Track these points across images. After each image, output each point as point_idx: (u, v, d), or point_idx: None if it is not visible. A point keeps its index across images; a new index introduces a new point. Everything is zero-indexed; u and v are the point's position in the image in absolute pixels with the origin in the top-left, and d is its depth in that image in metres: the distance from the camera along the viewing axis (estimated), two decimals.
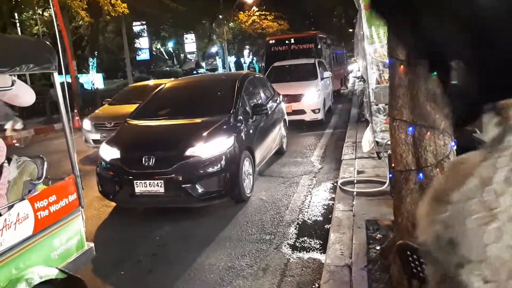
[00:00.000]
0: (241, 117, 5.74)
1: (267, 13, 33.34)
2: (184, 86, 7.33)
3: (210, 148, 4.92)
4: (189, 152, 4.85)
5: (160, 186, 4.69)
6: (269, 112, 6.87)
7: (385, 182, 4.95)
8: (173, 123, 5.67)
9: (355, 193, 4.97)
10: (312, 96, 10.67)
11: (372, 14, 5.98)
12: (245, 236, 4.36)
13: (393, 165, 2.78)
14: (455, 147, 2.66)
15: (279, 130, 7.54)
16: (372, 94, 6.17)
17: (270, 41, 17.86)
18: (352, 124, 10.17)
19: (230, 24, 32.82)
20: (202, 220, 4.87)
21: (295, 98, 10.46)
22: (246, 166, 5.40)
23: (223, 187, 4.91)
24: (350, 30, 30.99)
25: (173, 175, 4.70)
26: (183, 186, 4.71)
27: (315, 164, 7.17)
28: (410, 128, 2.58)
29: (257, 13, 33.22)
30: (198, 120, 5.51)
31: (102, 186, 5.20)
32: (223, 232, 4.49)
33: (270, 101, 7.46)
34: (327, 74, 12.35)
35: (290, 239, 4.22)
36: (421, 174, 2.59)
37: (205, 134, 5.06)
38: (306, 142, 8.99)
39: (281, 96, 8.38)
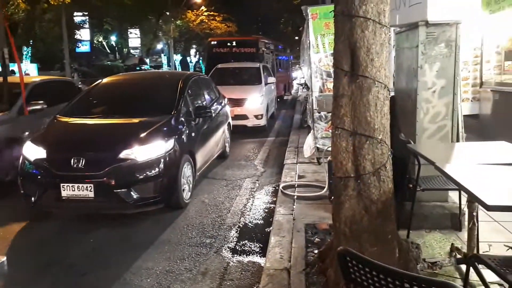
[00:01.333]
0: (183, 119, 5.47)
1: (216, 14, 33.20)
2: (123, 82, 6.86)
3: (147, 150, 4.61)
4: (123, 154, 4.51)
5: (90, 190, 4.34)
6: (213, 115, 6.69)
7: (324, 187, 5.10)
8: (108, 122, 5.28)
9: (295, 197, 5.07)
10: (255, 101, 10.41)
11: (319, 24, 6.18)
12: (185, 239, 4.28)
13: (333, 171, 2.87)
14: (391, 156, 2.80)
15: (223, 134, 7.41)
16: (315, 102, 6.36)
17: (212, 42, 17.49)
18: (294, 129, 10.42)
19: (177, 22, 32.26)
20: (140, 222, 4.72)
21: (238, 102, 10.15)
22: (186, 171, 5.19)
23: (160, 193, 4.63)
24: (296, 37, 31.75)
25: (105, 178, 4.35)
26: (115, 191, 4.38)
27: (258, 167, 7.23)
28: (351, 137, 2.68)
29: (206, 13, 32.97)
30: (136, 120, 5.18)
31: (24, 188, 4.70)
32: (162, 235, 4.38)
33: (215, 103, 7.27)
34: (271, 79, 12.21)
35: (231, 242, 4.21)
36: (359, 181, 2.70)
37: (142, 135, 4.74)
38: (250, 146, 9.05)
39: (226, 99, 8.23)
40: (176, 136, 5.07)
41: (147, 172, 4.55)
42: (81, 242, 4.26)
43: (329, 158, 4.66)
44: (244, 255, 3.92)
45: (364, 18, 2.48)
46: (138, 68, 27.67)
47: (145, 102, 5.82)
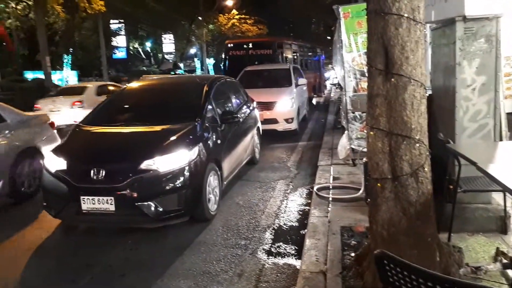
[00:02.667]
0: (208, 126, 5.19)
1: (247, 17, 33.41)
2: (147, 88, 6.62)
3: (170, 160, 4.37)
4: (145, 165, 4.29)
5: (110, 204, 4.15)
6: (241, 120, 6.43)
7: (360, 189, 5.01)
8: (130, 131, 5.08)
9: (330, 199, 5.01)
10: (286, 105, 9.95)
11: (351, 23, 6.09)
12: (220, 241, 4.32)
13: (369, 173, 2.81)
14: (429, 157, 2.71)
15: (252, 139, 7.08)
16: (349, 102, 6.26)
17: (229, 45, 17.32)
18: (328, 130, 10.29)
19: (209, 26, 32.72)
20: (177, 224, 4.80)
21: (267, 106, 9.72)
22: (212, 181, 4.93)
23: (184, 206, 4.38)
24: (328, 37, 31.42)
25: (125, 191, 4.15)
26: (136, 204, 4.16)
27: (292, 169, 7.20)
28: (387, 137, 2.62)
29: (237, 17, 33.24)
30: (158, 128, 4.94)
31: (46, 201, 4.60)
32: (198, 236, 4.44)
33: (243, 107, 7.01)
34: (302, 80, 11.74)
35: (266, 244, 4.21)
36: (396, 183, 2.63)
37: (165, 144, 4.53)
38: (281, 149, 9.02)
39: (254, 103, 7.90)
40: (201, 144, 4.78)
41: (170, 184, 4.32)
42: (118, 243, 4.37)
43: (364, 159, 4.58)
44: (279, 257, 3.91)
45: (398, 15, 2.42)
46: (172, 73, 28.20)
47: (169, 108, 5.60)
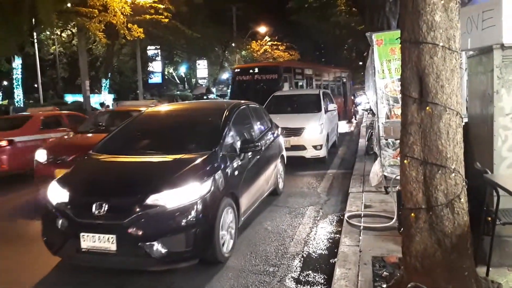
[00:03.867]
0: (225, 155, 4.75)
1: (279, 43, 33.94)
2: (163, 114, 6.20)
3: (179, 195, 3.93)
4: (151, 199, 3.86)
5: (112, 242, 3.75)
6: (263, 148, 5.99)
7: (393, 218, 4.89)
8: (140, 161, 4.71)
9: (362, 227, 4.90)
10: (314, 131, 9.56)
11: (384, 50, 6.08)
12: (248, 266, 4.28)
13: (403, 202, 2.75)
14: (466, 187, 2.63)
15: (275, 168, 6.66)
16: (381, 128, 6.19)
17: (236, 70, 17.38)
18: (360, 156, 10.15)
19: (242, 53, 33.41)
20: None
21: (295, 132, 9.41)
22: (227, 218, 4.43)
23: (192, 247, 3.89)
24: (360, 63, 31.36)
25: (128, 229, 3.73)
26: (140, 244, 3.74)
27: (322, 195, 7.11)
28: (421, 166, 2.57)
29: (269, 43, 33.82)
30: (170, 158, 4.55)
31: (45, 235, 4.19)
32: (226, 261, 4.42)
33: (266, 135, 6.58)
34: (332, 106, 11.50)
35: (294, 272, 4.14)
36: (431, 213, 2.56)
37: (173, 177, 4.10)
38: (311, 173, 8.95)
39: (279, 129, 7.55)
40: (215, 177, 4.31)
41: (178, 222, 3.86)
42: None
43: (398, 187, 4.47)
44: (308, 286, 3.84)
45: (433, 44, 2.41)
46: (205, 97, 28.80)
47: (184, 136, 5.21)
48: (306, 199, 6.84)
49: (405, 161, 2.63)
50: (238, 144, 5.19)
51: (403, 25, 2.57)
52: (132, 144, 5.32)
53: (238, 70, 17.00)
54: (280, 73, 15.24)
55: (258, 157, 5.72)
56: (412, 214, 2.64)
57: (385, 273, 3.64)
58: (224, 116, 5.37)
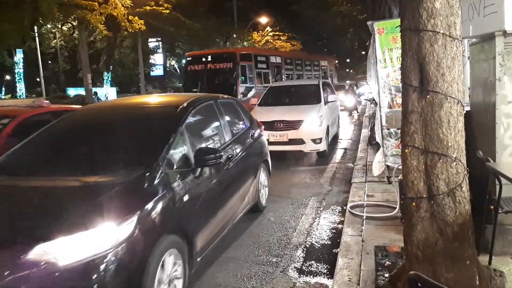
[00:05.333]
0: (169, 173, 3.30)
1: (280, 33, 33.74)
2: (92, 117, 4.56)
3: (81, 244, 2.53)
4: (37, 252, 2.46)
5: None
6: (236, 156, 4.67)
7: (395, 207, 4.88)
8: (38, 187, 3.17)
9: (364, 217, 4.90)
10: (313, 123, 8.96)
11: (386, 39, 6.03)
12: (251, 257, 4.30)
13: (404, 191, 2.74)
14: (467, 176, 2.62)
15: (255, 178, 5.30)
16: (383, 118, 6.16)
17: (188, 58, 14.88)
18: (362, 146, 10.13)
19: (244, 43, 33.23)
20: None
21: (293, 125, 8.84)
22: (168, 268, 3.05)
23: None
24: (363, 52, 31.16)
25: None
26: None
27: (324, 186, 7.11)
28: (423, 155, 2.55)
29: (271, 33, 33.63)
30: (79, 183, 3.15)
31: None
32: (228, 251, 4.44)
33: (241, 137, 5.20)
34: (332, 97, 10.84)
35: (297, 262, 4.15)
36: (432, 202, 2.55)
37: (77, 214, 2.68)
38: (313, 164, 8.95)
39: (260, 128, 6.19)
40: (146, 209, 2.92)
41: (78, 286, 2.47)
42: None
43: (400, 176, 4.46)
44: (311, 276, 3.85)
45: (433, 32, 2.39)
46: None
47: (109, 148, 3.72)
48: (308, 190, 6.84)
49: (406, 150, 2.62)
50: (194, 155, 3.69)
51: (403, 13, 2.54)
52: (35, 162, 3.75)
53: (190, 58, 14.65)
54: (236, 61, 13.18)
55: (227, 168, 4.33)
56: (414, 203, 2.63)
57: (387, 262, 3.65)
58: (174, 116, 3.92)
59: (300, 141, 8.83)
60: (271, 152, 6.62)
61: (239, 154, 4.85)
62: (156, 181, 3.15)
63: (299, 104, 9.68)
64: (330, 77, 20.38)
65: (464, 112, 2.65)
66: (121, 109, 4.73)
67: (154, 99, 5.08)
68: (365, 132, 12.38)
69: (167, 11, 21.55)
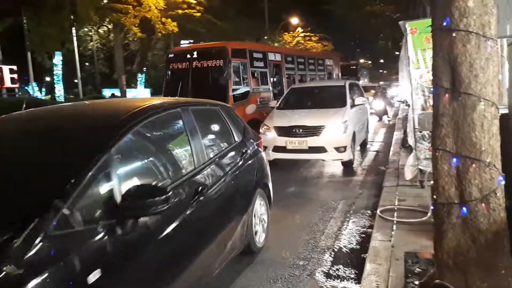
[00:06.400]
0: (60, 239, 1.98)
1: (311, 34, 33.51)
2: None
3: None
4: None
5: None
6: (211, 185, 3.34)
7: (428, 213, 4.74)
8: None
9: (395, 222, 4.78)
10: (337, 129, 7.97)
11: (419, 39, 5.86)
12: (278, 260, 4.28)
13: (434, 196, 2.65)
14: (503, 182, 2.50)
15: (245, 214, 3.96)
16: (416, 120, 5.99)
17: (170, 56, 11.90)
18: (395, 149, 9.90)
19: (274, 44, 33.22)
20: None
21: (313, 130, 7.94)
22: None
23: None
24: (397, 53, 30.49)
25: None
26: None
27: (354, 189, 6.99)
28: (454, 159, 2.46)
29: (302, 34, 33.46)
30: None
31: None
32: (255, 254, 4.43)
33: (225, 157, 3.85)
34: (360, 100, 9.56)
35: (324, 266, 4.10)
36: (464, 209, 2.45)
37: None
38: (344, 168, 8.82)
39: (258, 143, 4.82)
40: None
41: None
42: None
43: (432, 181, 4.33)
44: (338, 280, 3.79)
45: (466, 32, 2.29)
46: None
47: None
48: (338, 193, 6.75)
49: (437, 154, 2.53)
50: (125, 196, 2.34)
51: (435, 12, 2.45)
52: None
53: (172, 55, 11.74)
54: (226, 57, 10.39)
55: (197, 204, 3.02)
56: (444, 209, 2.54)
57: (417, 269, 3.54)
58: (102, 135, 2.57)
59: (322, 149, 7.89)
60: (288, 161, 6.33)
61: (220, 182, 3.50)
62: (29, 256, 1.81)
63: (321, 108, 8.76)
64: (337, 78, 17.88)
65: (501, 114, 2.54)
66: (33, 123, 3.10)
67: (92, 107, 3.55)
68: (398, 134, 12.10)
69: (199, 14, 21.84)
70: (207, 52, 10.98)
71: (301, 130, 7.95)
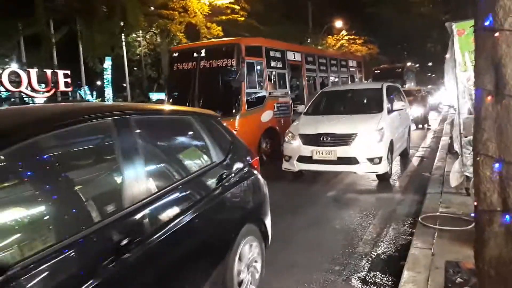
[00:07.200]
0: None
1: (356, 37, 32.98)
2: None
3: None
4: None
5: None
6: (155, 231, 2.31)
7: (472, 221, 4.53)
8: None
9: (437, 229, 4.61)
10: (370, 138, 7.08)
11: (466, 40, 5.63)
12: (313, 263, 4.25)
13: (475, 203, 2.54)
14: None
15: (223, 264, 2.95)
16: (462, 125, 5.76)
17: (173, 54, 10.52)
18: (441, 155, 9.54)
19: (318, 48, 33.02)
20: (271, 240, 4.85)
21: (343, 139, 7.09)
22: None
23: None
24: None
25: None
26: None
27: (396, 195, 6.81)
28: (497, 165, 2.35)
29: (346, 37, 33.01)
30: None
31: None
32: (290, 256, 4.43)
33: (189, 186, 2.80)
34: (400, 104, 8.50)
35: (361, 272, 4.02)
36: (507, 217, 2.33)
37: None
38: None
39: (252, 162, 3.69)
40: None
41: None
42: None
43: None
44: (374, 287, 3.71)
45: (510, 32, 2.19)
46: None
47: None
48: (378, 198, 6.61)
49: (478, 159, 2.42)
50: None
51: (477, 12, 2.36)
52: None
53: (176, 54, 10.37)
54: (239, 56, 9.08)
55: (114, 272, 1.98)
56: (486, 217, 2.42)
57: (459, 279, 3.40)
58: None
59: (353, 160, 7.04)
60: (314, 173, 6.16)
61: (173, 223, 2.44)
62: None
63: (355, 113, 7.95)
64: (360, 80, 16.45)
65: None
66: None
67: None
68: (445, 140, 11.65)
69: (243, 18, 22.12)
70: (217, 49, 9.60)
71: (329, 139, 7.11)
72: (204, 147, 3.27)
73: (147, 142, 2.72)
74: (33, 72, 18.75)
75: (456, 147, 6.32)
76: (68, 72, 19.68)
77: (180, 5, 18.72)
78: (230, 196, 3.18)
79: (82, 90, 25.52)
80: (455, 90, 5.97)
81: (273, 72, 10.41)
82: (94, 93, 33.65)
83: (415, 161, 9.80)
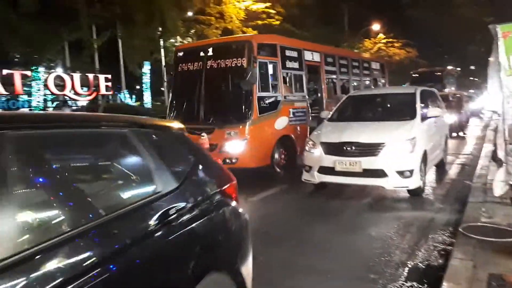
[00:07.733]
0: None
1: (394, 40, 32.29)
2: None
3: None
4: None
5: None
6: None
7: None
8: None
9: (479, 240, 4.42)
10: (401, 148, 6.41)
11: None
12: (347, 270, 4.17)
13: None
14: None
15: None
16: (507, 131, 5.51)
17: (178, 54, 9.48)
18: (484, 163, 9.15)
19: (354, 51, 32.60)
20: (305, 247, 4.81)
21: (369, 149, 6.44)
22: None
23: None
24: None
25: None
26: None
27: (436, 203, 6.59)
28: None
29: (384, 40, 32.38)
30: None
31: None
32: (325, 262, 4.37)
33: (107, 231, 1.82)
34: (436, 111, 7.78)
35: (397, 282, 3.90)
36: None
37: None
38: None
39: (228, 191, 2.77)
40: None
41: None
42: None
43: None
44: None
45: None
46: None
47: None
48: (417, 207, 6.41)
49: None
50: None
51: None
52: None
53: (181, 53, 9.40)
54: (251, 54, 8.02)
55: None
56: None
57: None
58: None
59: (380, 173, 6.35)
60: (337, 185, 5.92)
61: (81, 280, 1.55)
62: None
63: (384, 120, 7.27)
64: (383, 85, 14.82)
65: None
66: None
67: None
68: (488, 146, 11.19)
69: (278, 22, 22.17)
70: (227, 48, 8.67)
71: (353, 148, 6.44)
72: (141, 173, 2.33)
73: (42, 165, 1.87)
74: (76, 76, 19.56)
75: (501, 154, 6.04)
76: (109, 76, 20.40)
77: (217, 10, 19.02)
78: (181, 237, 2.19)
79: (122, 93, 26.32)
80: (500, 95, 5.73)
81: (289, 74, 9.39)
82: (134, 96, 34.66)
83: (455, 168, 9.47)
